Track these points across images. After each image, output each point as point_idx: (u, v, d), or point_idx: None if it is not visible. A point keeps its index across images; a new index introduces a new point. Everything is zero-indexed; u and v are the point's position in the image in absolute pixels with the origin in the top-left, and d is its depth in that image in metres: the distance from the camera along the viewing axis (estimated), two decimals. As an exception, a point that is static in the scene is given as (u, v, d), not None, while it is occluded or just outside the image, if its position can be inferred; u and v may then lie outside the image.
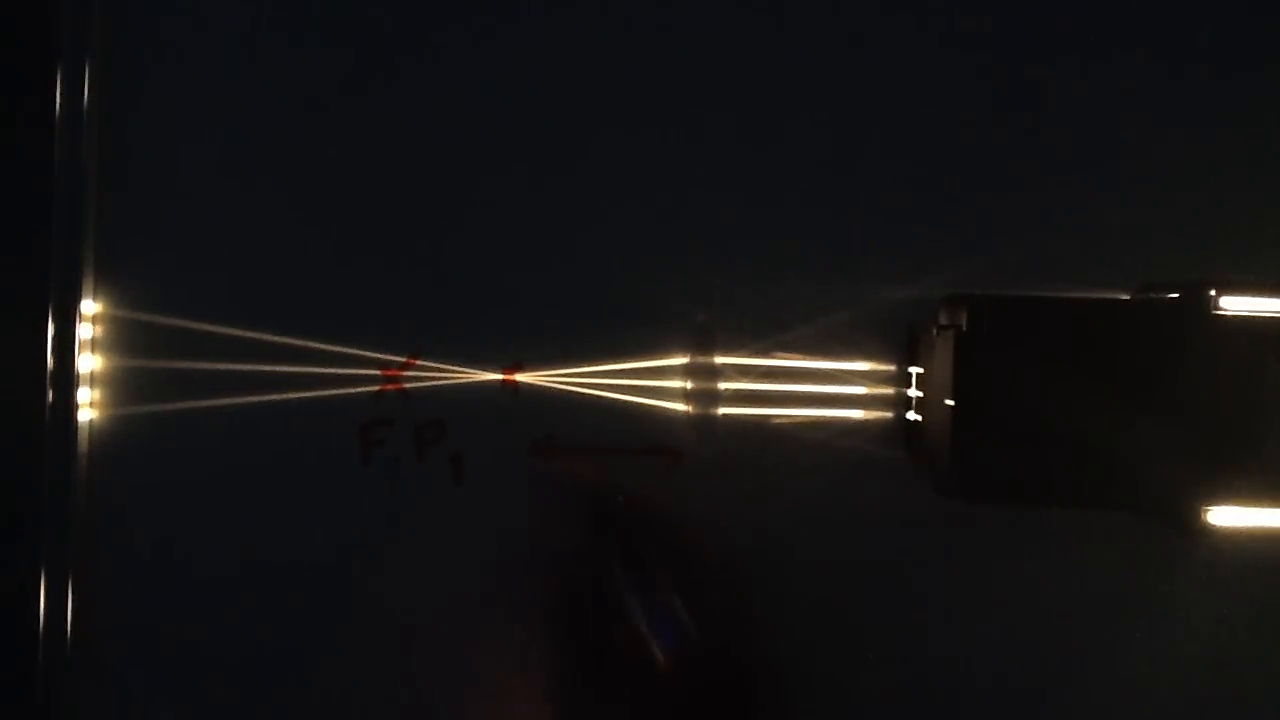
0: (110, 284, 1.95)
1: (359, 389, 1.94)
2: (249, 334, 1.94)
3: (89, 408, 1.94)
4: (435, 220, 1.95)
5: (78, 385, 1.91)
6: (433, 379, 1.95)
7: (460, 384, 1.95)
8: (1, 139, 1.90)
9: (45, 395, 1.89)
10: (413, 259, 1.95)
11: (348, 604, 1.95)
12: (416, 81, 1.95)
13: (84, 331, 1.92)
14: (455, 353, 1.95)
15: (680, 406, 1.95)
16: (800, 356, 1.94)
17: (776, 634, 1.92)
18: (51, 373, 1.89)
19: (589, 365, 1.94)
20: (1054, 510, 1.86)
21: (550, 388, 1.95)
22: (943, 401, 1.68)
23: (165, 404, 1.95)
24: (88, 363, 1.94)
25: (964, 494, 1.70)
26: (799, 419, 1.94)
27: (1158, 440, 1.59)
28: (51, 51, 1.90)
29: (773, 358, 1.94)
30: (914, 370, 1.88)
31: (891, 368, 1.93)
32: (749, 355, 1.94)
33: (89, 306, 1.94)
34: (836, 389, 1.93)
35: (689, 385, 1.95)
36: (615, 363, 1.94)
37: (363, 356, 1.94)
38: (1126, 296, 1.81)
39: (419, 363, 1.95)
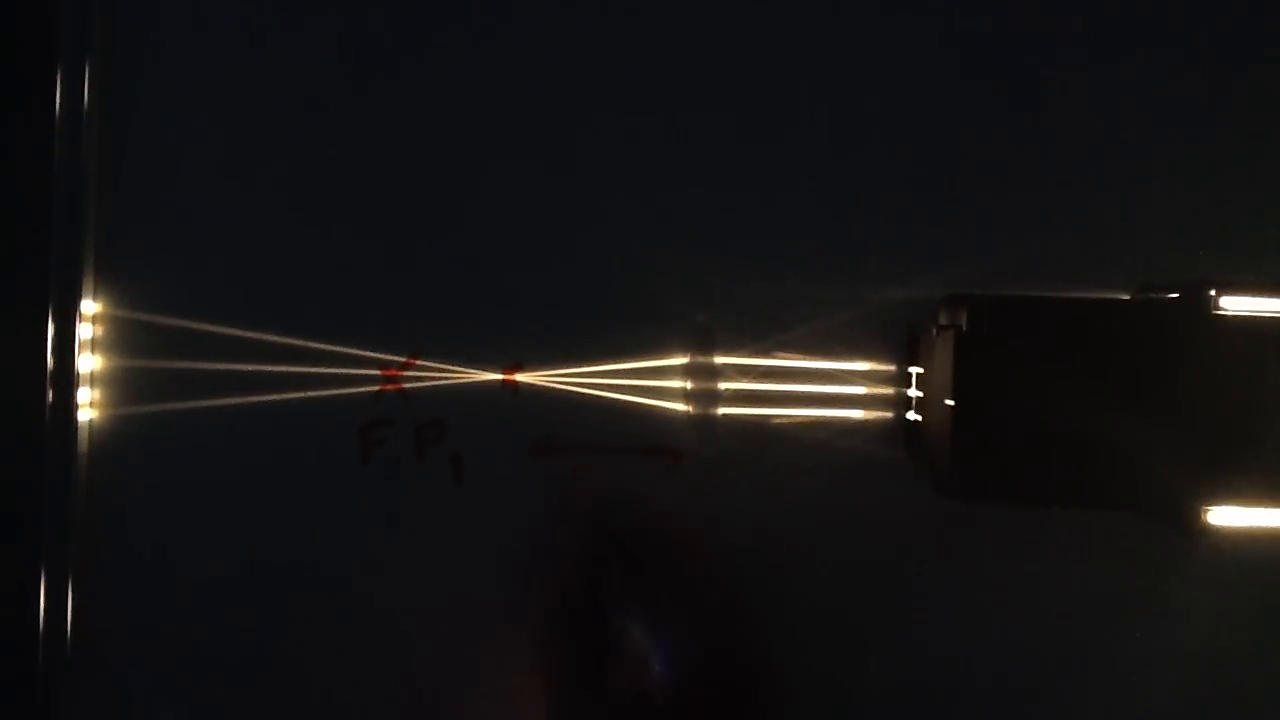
0: (110, 284, 1.95)
1: (359, 389, 1.94)
2: (249, 334, 1.94)
3: (89, 408, 1.94)
4: (435, 220, 1.95)
5: (78, 385, 1.91)
6: (433, 379, 1.95)
7: (460, 384, 1.95)
8: (1, 139, 1.90)
9: (45, 395, 1.89)
10: (413, 259, 1.95)
11: (347, 604, 1.95)
12: (416, 81, 1.95)
13: (84, 331, 1.92)
14: (455, 353, 1.95)
15: (680, 406, 1.95)
16: (800, 356, 1.94)
17: (776, 634, 1.92)
18: (51, 373, 1.89)
19: (589, 365, 1.94)
20: (1054, 510, 1.86)
21: (550, 388, 1.95)
22: (943, 401, 1.68)
23: (165, 404, 1.95)
24: (88, 363, 1.94)
25: (964, 494, 1.69)
26: (799, 419, 1.94)
27: (1158, 440, 1.59)
28: (51, 51, 1.90)
29: (773, 358, 1.94)
30: (914, 370, 1.88)
31: (891, 368, 1.93)
32: (749, 355, 1.94)
33: (89, 306, 1.94)
34: (836, 389, 1.93)
35: (689, 385, 1.95)
36: (615, 363, 1.94)
37: (363, 356, 1.94)
38: (1126, 296, 1.81)
39: (419, 363, 1.95)
